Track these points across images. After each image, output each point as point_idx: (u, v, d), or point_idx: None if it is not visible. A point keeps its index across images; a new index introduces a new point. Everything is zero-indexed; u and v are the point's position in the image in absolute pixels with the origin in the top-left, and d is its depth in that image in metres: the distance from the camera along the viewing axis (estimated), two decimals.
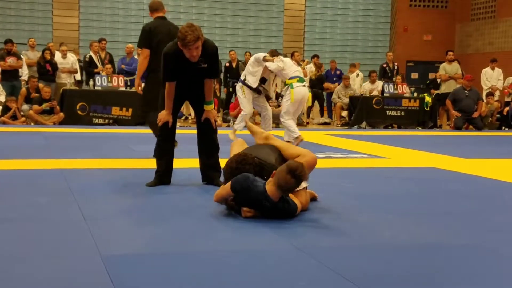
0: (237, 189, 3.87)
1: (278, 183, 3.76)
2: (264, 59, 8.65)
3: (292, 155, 4.33)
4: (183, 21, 19.10)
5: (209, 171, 5.16)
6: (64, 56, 13.27)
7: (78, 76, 13.70)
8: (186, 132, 8.51)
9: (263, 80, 8.92)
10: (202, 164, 5.20)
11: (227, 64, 14.77)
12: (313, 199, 4.49)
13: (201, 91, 5.03)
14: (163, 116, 5.02)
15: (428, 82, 16.23)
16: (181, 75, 4.91)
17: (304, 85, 8.76)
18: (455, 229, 3.88)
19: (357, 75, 15.31)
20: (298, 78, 8.64)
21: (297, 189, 4.14)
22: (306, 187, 4.28)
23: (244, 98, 8.95)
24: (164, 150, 5.13)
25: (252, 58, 9.05)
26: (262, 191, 3.81)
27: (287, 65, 8.70)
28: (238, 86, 9.12)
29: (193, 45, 4.59)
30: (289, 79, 8.64)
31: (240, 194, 3.88)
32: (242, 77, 9.04)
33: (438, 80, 14.95)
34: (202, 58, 4.81)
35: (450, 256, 3.23)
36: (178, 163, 5.34)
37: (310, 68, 14.56)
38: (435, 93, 14.48)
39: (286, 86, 8.82)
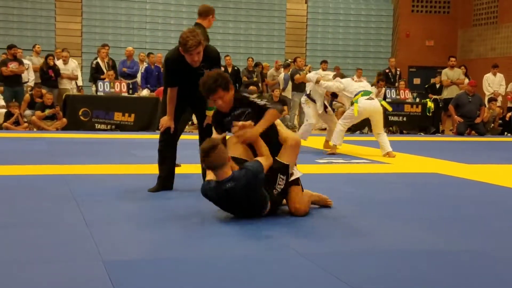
0: (204, 195, 4.01)
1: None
2: (318, 80, 8.59)
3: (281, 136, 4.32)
4: (185, 26, 19.11)
5: None
6: (65, 62, 13.32)
7: (80, 82, 13.72)
8: (189, 138, 8.51)
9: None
10: (204, 169, 5.21)
11: (222, 69, 14.78)
12: (326, 206, 4.49)
13: (203, 96, 5.04)
14: (165, 121, 5.04)
15: (426, 87, 16.25)
16: (183, 80, 4.92)
17: (369, 98, 8.43)
18: (457, 234, 3.87)
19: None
20: (362, 93, 8.41)
21: (291, 178, 4.16)
22: (298, 179, 4.25)
23: (308, 109, 9.06)
24: (166, 156, 5.14)
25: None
26: (214, 184, 3.91)
27: (347, 85, 8.49)
28: (303, 99, 9.25)
29: (194, 50, 4.61)
30: (354, 96, 8.40)
31: (209, 197, 4.00)
32: (307, 91, 9.10)
33: (437, 85, 14.97)
34: (204, 64, 4.82)
35: (452, 261, 3.22)
36: (180, 169, 5.35)
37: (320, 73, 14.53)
38: (433, 98, 14.50)
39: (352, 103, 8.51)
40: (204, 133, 5.20)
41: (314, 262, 3.09)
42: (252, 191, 3.90)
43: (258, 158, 4.02)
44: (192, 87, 5.02)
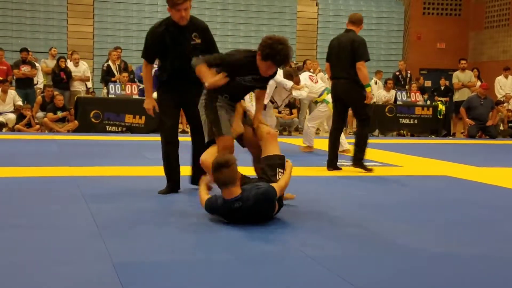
0: (210, 211, 4.01)
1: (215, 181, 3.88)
2: (293, 89, 8.60)
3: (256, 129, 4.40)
4: None
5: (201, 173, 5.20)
6: (76, 64, 13.40)
7: (89, 84, 13.77)
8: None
9: None
10: (194, 173, 5.19)
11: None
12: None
13: (196, 79, 4.93)
14: (148, 105, 5.01)
15: (432, 89, 16.21)
16: (174, 55, 4.81)
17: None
18: (467, 238, 3.85)
19: (376, 83, 15.19)
20: (327, 91, 8.45)
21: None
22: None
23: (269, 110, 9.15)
24: (170, 156, 5.11)
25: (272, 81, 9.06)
26: (222, 202, 3.85)
27: (311, 87, 8.58)
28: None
29: (182, 5, 4.50)
30: (319, 96, 8.50)
31: (215, 213, 3.98)
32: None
33: (442, 87, 14.92)
34: (196, 33, 4.79)
35: (461, 265, 3.21)
36: (187, 171, 5.35)
37: (322, 77, 14.46)
38: (439, 100, 14.46)
39: (320, 102, 8.71)
40: (197, 131, 5.08)
41: (321, 263, 3.09)
42: (259, 213, 3.87)
43: (274, 185, 3.93)
44: (182, 61, 4.80)
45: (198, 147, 5.15)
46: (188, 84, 4.95)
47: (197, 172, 5.16)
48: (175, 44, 4.81)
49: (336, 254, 3.36)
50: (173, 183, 5.09)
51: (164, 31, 4.83)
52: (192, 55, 4.70)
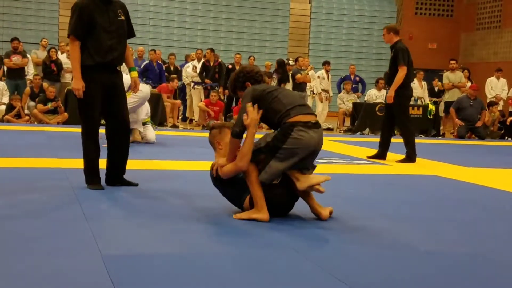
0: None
1: None
2: None
3: None
4: (188, 23, 19.17)
5: (115, 174, 5.00)
6: (68, 56, 13.33)
7: None
8: (191, 135, 8.50)
9: None
10: (110, 164, 5.01)
11: (230, 66, 14.73)
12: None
13: (122, 54, 4.81)
14: (76, 84, 4.66)
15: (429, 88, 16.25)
16: (102, 30, 4.66)
17: None
18: (455, 237, 3.88)
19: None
20: None
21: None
22: None
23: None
24: (94, 154, 4.93)
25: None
26: None
27: None
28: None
29: None
30: None
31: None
32: None
33: (436, 88, 14.98)
34: (120, 10, 4.76)
35: (450, 264, 3.23)
36: (183, 165, 5.35)
37: (313, 74, 14.45)
38: (433, 100, 14.52)
39: None
40: (118, 130, 4.99)
41: (313, 261, 3.10)
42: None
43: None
44: (111, 39, 4.70)
45: (117, 148, 4.96)
46: (116, 70, 4.80)
47: (112, 172, 5.00)
48: (103, 17, 4.67)
49: (328, 252, 3.37)
50: (92, 177, 4.89)
51: (90, 2, 4.67)
52: (119, 32, 4.74)
